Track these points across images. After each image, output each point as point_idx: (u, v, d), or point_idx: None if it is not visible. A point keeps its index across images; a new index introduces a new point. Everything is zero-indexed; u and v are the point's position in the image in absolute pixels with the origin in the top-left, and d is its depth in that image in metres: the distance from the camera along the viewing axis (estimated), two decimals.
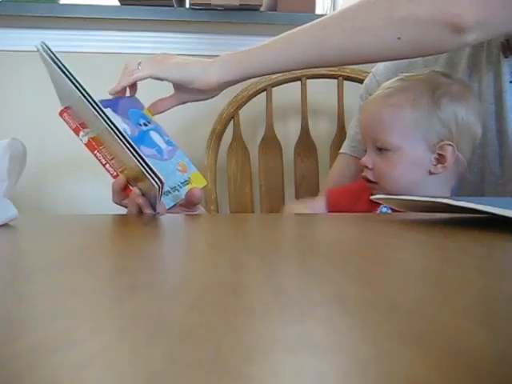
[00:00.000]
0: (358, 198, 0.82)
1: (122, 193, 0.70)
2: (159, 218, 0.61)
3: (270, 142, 1.15)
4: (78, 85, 0.59)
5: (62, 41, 1.26)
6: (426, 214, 0.57)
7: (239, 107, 1.13)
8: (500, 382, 0.12)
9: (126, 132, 0.62)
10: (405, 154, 0.74)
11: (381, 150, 0.75)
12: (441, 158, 0.75)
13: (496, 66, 0.80)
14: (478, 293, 0.21)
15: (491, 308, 0.19)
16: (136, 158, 0.58)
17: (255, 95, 1.13)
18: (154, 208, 0.66)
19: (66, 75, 0.59)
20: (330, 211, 0.81)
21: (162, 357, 0.13)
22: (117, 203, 0.71)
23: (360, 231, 0.48)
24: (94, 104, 0.59)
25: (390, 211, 0.76)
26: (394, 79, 0.81)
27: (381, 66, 0.96)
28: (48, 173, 1.28)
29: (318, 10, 1.34)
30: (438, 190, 0.77)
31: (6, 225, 0.46)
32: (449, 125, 0.74)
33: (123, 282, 0.24)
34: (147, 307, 0.19)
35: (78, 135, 0.71)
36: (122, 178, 0.69)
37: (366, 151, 0.79)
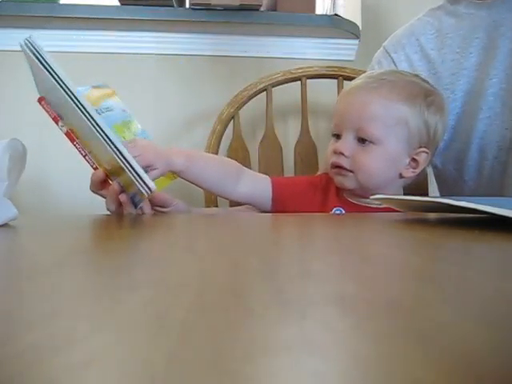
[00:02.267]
0: (310, 191, 0.79)
1: (100, 183, 0.70)
2: (159, 218, 0.61)
3: (270, 141, 1.15)
4: (64, 86, 0.58)
5: (62, 41, 1.26)
6: (426, 214, 0.57)
7: (239, 107, 1.13)
8: (500, 382, 0.12)
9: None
10: (385, 150, 0.73)
11: (363, 140, 0.73)
12: (413, 163, 0.75)
13: None
14: (478, 292, 0.21)
15: (491, 308, 0.19)
16: (123, 162, 0.57)
17: (255, 95, 1.13)
18: (135, 205, 0.66)
19: (52, 75, 0.58)
20: (275, 198, 0.78)
21: (162, 357, 0.13)
22: (94, 192, 0.71)
23: (359, 231, 0.48)
24: (78, 104, 0.58)
25: (343, 212, 0.75)
26: (382, 71, 0.79)
27: (394, 38, 0.92)
28: (48, 173, 1.28)
29: (318, 11, 1.34)
30: (397, 193, 0.77)
31: (6, 225, 0.46)
32: (429, 132, 0.74)
33: (123, 281, 0.24)
34: (147, 307, 0.19)
35: (57, 124, 0.70)
36: (101, 172, 0.69)
37: (336, 136, 0.76)
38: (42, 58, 0.59)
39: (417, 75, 0.79)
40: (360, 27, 1.30)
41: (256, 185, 0.79)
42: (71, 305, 0.20)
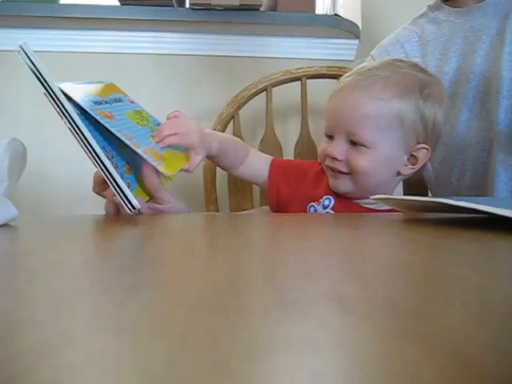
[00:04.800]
0: (305, 176, 0.79)
1: (102, 184, 0.69)
2: (158, 219, 0.61)
3: (270, 141, 1.15)
4: (54, 97, 0.58)
5: (62, 41, 1.26)
6: (426, 214, 0.57)
7: (239, 107, 1.13)
8: (499, 381, 0.12)
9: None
10: (380, 152, 0.70)
11: (355, 143, 0.70)
12: (412, 159, 0.72)
13: None
14: (478, 292, 0.21)
15: (491, 308, 0.19)
16: (107, 176, 0.57)
17: (255, 95, 1.13)
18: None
19: (44, 86, 0.59)
20: (270, 180, 0.79)
21: (162, 357, 0.13)
22: (97, 193, 0.71)
23: (359, 231, 0.48)
24: (68, 117, 0.58)
25: (332, 203, 0.74)
26: (376, 64, 0.74)
27: (382, 45, 0.94)
28: (48, 173, 1.28)
29: (318, 10, 1.34)
30: (390, 190, 0.75)
31: (6, 225, 0.46)
32: (427, 126, 0.71)
33: (123, 281, 0.24)
34: (147, 307, 0.19)
35: (62, 119, 0.70)
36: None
37: (329, 136, 0.73)
38: (34, 65, 0.59)
39: (415, 64, 0.75)
40: (360, 27, 1.30)
41: (257, 167, 0.81)
42: (71, 305, 0.20)
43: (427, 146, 0.72)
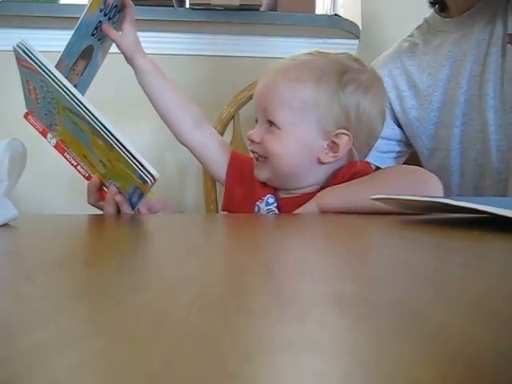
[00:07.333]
0: (252, 178, 0.76)
1: (97, 194, 0.70)
2: (158, 219, 0.62)
3: None
4: (60, 83, 0.59)
5: (62, 41, 1.25)
6: (426, 214, 0.57)
7: (239, 107, 1.13)
8: (500, 382, 0.12)
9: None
10: (295, 135, 0.68)
11: (271, 124, 0.70)
12: (334, 147, 0.69)
13: (499, 58, 0.81)
14: (478, 293, 0.21)
15: (491, 308, 0.19)
16: (124, 153, 0.57)
17: None
18: (132, 206, 0.66)
19: (49, 75, 0.59)
20: (229, 171, 0.78)
21: (161, 357, 0.13)
22: (92, 204, 0.71)
23: (359, 231, 0.48)
24: (78, 101, 0.58)
25: (275, 204, 0.72)
26: (302, 52, 0.74)
27: (381, 57, 0.97)
28: (48, 172, 1.28)
29: (318, 10, 1.34)
30: (320, 180, 0.72)
31: (6, 225, 0.46)
32: (349, 113, 0.68)
33: (123, 282, 0.24)
34: (147, 307, 0.19)
35: (45, 137, 0.71)
36: (96, 179, 0.69)
37: (256, 122, 0.74)
38: (36, 58, 0.59)
39: (347, 54, 0.74)
40: (360, 27, 1.30)
41: (217, 142, 0.80)
42: (71, 305, 0.20)
43: (348, 133, 0.69)
